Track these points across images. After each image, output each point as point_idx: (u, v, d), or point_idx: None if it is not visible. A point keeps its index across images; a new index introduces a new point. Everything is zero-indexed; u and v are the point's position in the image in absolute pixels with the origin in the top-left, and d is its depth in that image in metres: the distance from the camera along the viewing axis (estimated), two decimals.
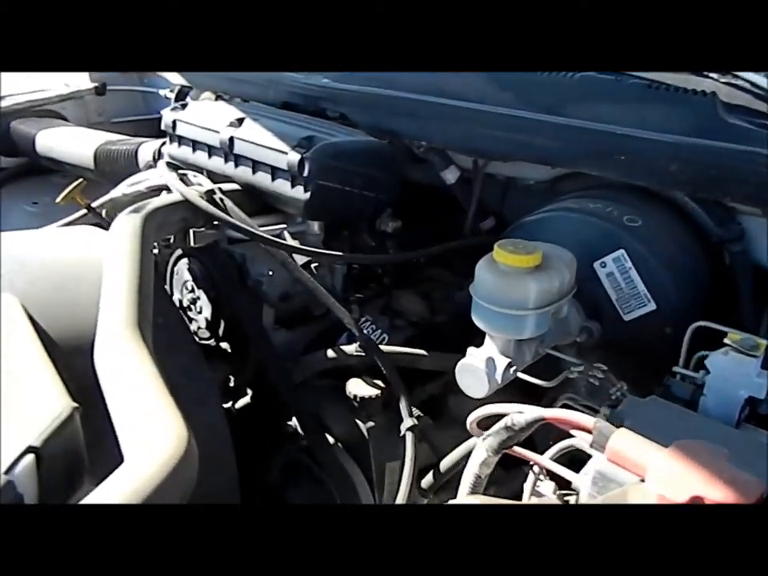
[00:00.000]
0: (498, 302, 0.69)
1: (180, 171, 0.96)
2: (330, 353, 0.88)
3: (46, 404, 0.55)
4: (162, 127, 1.09)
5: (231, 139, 0.96)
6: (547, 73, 0.91)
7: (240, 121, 0.98)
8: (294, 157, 0.87)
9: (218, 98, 1.21)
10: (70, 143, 1.37)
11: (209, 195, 0.90)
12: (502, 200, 1.05)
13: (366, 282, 1.04)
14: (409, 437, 0.81)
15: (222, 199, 0.91)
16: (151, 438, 0.50)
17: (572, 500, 0.54)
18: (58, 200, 1.10)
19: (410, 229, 1.03)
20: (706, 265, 0.83)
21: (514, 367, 0.70)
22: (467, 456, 0.77)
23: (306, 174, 0.87)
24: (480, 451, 0.51)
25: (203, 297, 0.94)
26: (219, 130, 0.98)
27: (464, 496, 0.52)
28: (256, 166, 0.94)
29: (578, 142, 0.83)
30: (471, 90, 0.95)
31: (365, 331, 0.96)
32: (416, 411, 0.84)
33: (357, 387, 0.84)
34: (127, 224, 0.79)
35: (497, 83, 0.95)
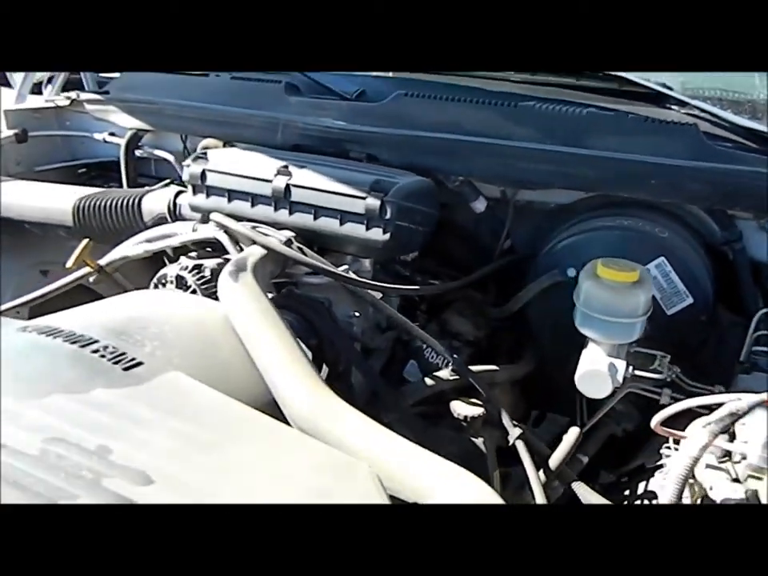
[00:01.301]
0: (612, 313, 0.81)
1: (233, 224, 0.95)
2: (429, 381, 0.93)
3: None
4: (184, 178, 1.05)
5: (287, 187, 0.97)
6: (558, 108, 1.05)
7: (285, 168, 0.99)
8: (374, 201, 0.91)
9: (226, 144, 1.18)
10: (31, 198, 1.23)
11: (287, 245, 0.91)
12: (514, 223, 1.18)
13: (411, 310, 1.10)
14: (521, 445, 0.89)
15: (300, 248, 0.92)
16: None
17: (739, 467, 0.66)
18: (69, 264, 1.01)
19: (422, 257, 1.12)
20: (713, 262, 1.03)
21: (631, 367, 0.82)
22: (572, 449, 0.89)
23: (388, 216, 0.92)
24: (702, 437, 0.61)
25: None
26: (269, 179, 0.98)
27: (678, 479, 0.62)
28: (318, 212, 0.96)
29: (612, 170, 0.98)
30: (492, 127, 1.06)
31: (428, 356, 1.03)
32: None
33: (463, 408, 0.91)
34: (245, 283, 0.78)
35: (513, 120, 1.07)
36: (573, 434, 0.93)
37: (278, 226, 0.99)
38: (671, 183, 0.96)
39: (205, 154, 1.06)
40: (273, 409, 0.70)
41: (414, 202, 0.95)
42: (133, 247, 1.06)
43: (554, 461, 0.91)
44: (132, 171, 1.44)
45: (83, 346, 0.64)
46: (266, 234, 0.92)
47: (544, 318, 1.07)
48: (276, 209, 0.99)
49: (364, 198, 0.92)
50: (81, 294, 1.13)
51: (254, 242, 0.92)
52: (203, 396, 0.63)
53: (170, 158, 1.37)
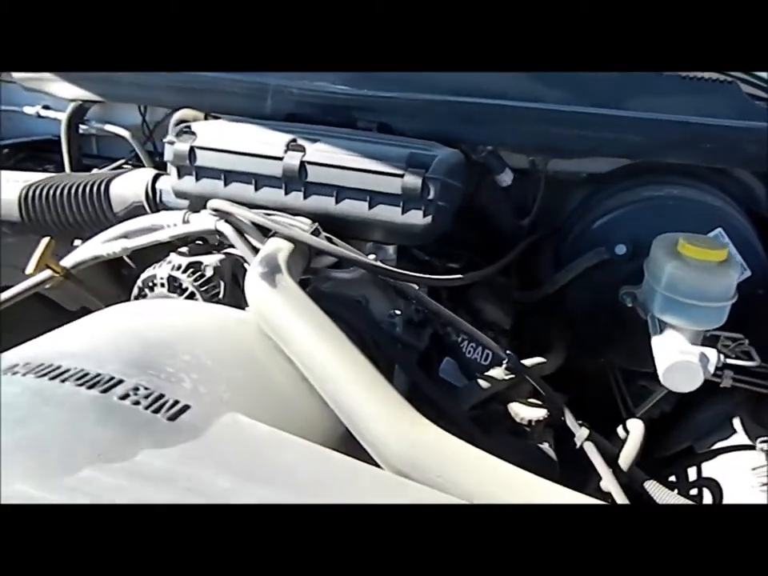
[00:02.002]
0: (702, 296, 0.72)
1: (243, 212, 0.79)
2: (483, 383, 0.82)
3: None
4: (167, 158, 0.87)
5: (302, 165, 0.81)
6: None
7: (292, 141, 0.83)
8: (415, 180, 0.77)
9: (208, 116, 0.99)
10: None
11: (315, 235, 0.76)
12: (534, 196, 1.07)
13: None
14: (591, 446, 0.80)
15: (329, 237, 0.78)
16: None
17: None
18: (29, 269, 0.82)
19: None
20: (759, 231, 0.96)
21: (722, 355, 0.74)
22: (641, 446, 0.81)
23: (431, 196, 0.78)
24: None
25: None
26: (278, 156, 0.82)
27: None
28: (341, 193, 0.81)
29: (662, 134, 0.89)
30: (520, 89, 0.94)
31: (466, 352, 0.91)
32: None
33: (525, 411, 0.80)
34: (285, 287, 0.63)
35: (543, 82, 0.95)
36: (638, 429, 0.85)
37: (290, 211, 0.84)
38: (728, 146, 0.87)
39: (189, 128, 0.88)
40: (344, 445, 0.56)
41: (455, 179, 0.82)
42: (105, 245, 0.87)
43: (625, 460, 0.82)
44: (75, 151, 1.22)
45: (106, 391, 0.48)
46: (287, 223, 0.76)
47: (583, 300, 0.97)
48: (287, 192, 0.83)
49: (401, 176, 0.78)
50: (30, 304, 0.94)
51: (271, 234, 0.77)
52: (278, 444, 0.49)
53: (125, 133, 1.16)
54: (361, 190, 0.80)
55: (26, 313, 1.00)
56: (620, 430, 0.91)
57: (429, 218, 0.79)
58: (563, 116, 0.90)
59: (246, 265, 0.84)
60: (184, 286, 0.84)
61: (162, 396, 0.49)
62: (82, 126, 1.22)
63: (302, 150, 0.82)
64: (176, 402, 0.49)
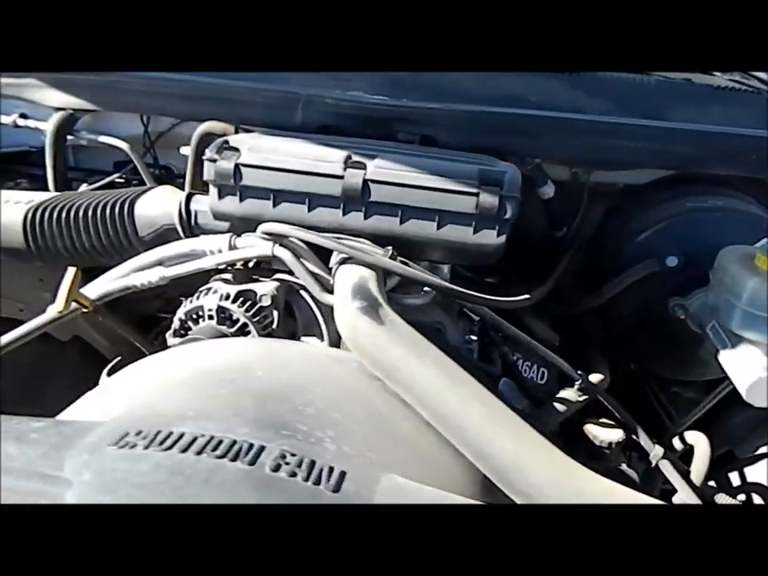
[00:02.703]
0: None
1: (308, 236, 0.73)
2: (559, 405, 0.79)
3: None
4: (207, 177, 0.79)
5: (365, 184, 0.76)
6: (624, 76, 0.94)
7: (348, 158, 0.77)
8: (491, 198, 0.74)
9: (238, 129, 0.91)
10: None
11: (392, 259, 0.71)
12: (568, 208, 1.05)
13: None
14: (667, 465, 0.79)
15: (404, 261, 0.73)
16: None
17: None
18: (58, 305, 0.73)
19: None
20: None
21: None
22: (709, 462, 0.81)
23: (508, 215, 0.74)
24: None
25: None
26: (338, 174, 0.76)
27: None
28: (406, 213, 0.76)
29: (709, 145, 0.89)
30: (562, 100, 0.93)
31: (523, 371, 0.89)
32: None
33: (604, 433, 0.78)
34: (394, 325, 0.58)
35: (584, 91, 0.94)
36: (703, 443, 0.85)
37: (347, 232, 0.78)
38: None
39: (227, 143, 0.80)
40: (487, 495, 0.52)
41: (521, 195, 0.79)
42: (139, 274, 0.78)
43: (697, 475, 0.81)
44: (61, 165, 1.10)
45: (253, 462, 0.42)
46: (363, 248, 0.71)
47: (629, 311, 0.96)
48: (345, 212, 0.78)
49: (475, 194, 0.74)
50: None
51: (342, 259, 0.71)
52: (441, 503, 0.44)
53: (124, 145, 1.06)
54: (428, 209, 0.76)
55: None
56: (676, 441, 0.91)
57: (503, 238, 0.76)
58: (610, 127, 0.88)
59: (301, 292, 0.78)
60: (234, 317, 0.77)
61: (313, 463, 0.43)
62: (69, 137, 1.11)
63: (363, 167, 0.77)
64: (331, 469, 0.43)
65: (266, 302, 0.76)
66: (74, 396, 1.24)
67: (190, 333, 0.79)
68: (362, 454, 0.47)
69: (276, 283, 0.77)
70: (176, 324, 0.79)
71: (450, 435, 0.52)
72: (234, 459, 0.42)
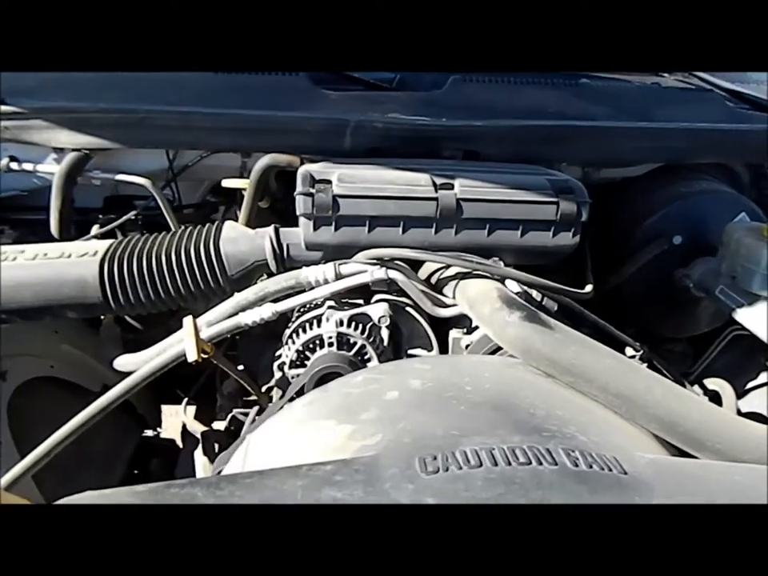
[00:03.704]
0: None
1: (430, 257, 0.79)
2: None
3: None
4: (302, 211, 0.81)
5: (458, 203, 0.83)
6: (611, 84, 1.09)
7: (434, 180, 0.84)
8: (570, 205, 0.84)
9: (303, 160, 0.93)
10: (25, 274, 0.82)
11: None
12: None
13: None
14: None
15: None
16: None
17: None
18: (192, 356, 0.73)
19: None
20: None
21: None
22: None
23: (584, 218, 0.85)
24: None
25: None
26: (432, 196, 0.82)
27: None
28: (493, 225, 0.85)
29: (699, 140, 1.06)
30: (576, 109, 1.05)
31: None
32: None
33: None
34: (567, 334, 0.67)
35: (587, 100, 1.08)
36: (728, 389, 1.02)
37: (438, 248, 0.85)
38: (743, 144, 1.08)
39: (311, 175, 0.83)
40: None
41: None
42: (250, 313, 0.79)
43: None
44: (68, 209, 1.05)
45: (556, 463, 0.49)
46: (485, 263, 0.78)
47: (642, 286, 1.12)
48: (437, 230, 0.84)
49: (555, 203, 0.84)
50: None
51: (463, 275, 0.78)
52: (701, 467, 0.54)
53: (146, 182, 1.03)
54: (514, 220, 0.85)
55: None
56: (697, 388, 1.08)
57: (577, 238, 0.87)
58: (627, 132, 1.02)
59: (408, 309, 0.84)
60: (352, 341, 0.81)
61: (591, 454, 0.51)
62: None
63: (451, 187, 0.84)
64: (604, 458, 0.51)
65: (385, 323, 0.81)
66: (111, 442, 1.20)
67: (308, 362, 0.82)
68: (605, 440, 0.55)
69: (385, 304, 0.82)
70: (292, 356, 0.81)
71: (637, 413, 0.62)
72: (539, 463, 0.49)
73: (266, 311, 0.79)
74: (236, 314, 0.81)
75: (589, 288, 0.88)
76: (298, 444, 0.61)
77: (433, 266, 0.87)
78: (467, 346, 0.82)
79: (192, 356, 0.73)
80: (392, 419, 0.57)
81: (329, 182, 0.82)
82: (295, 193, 0.82)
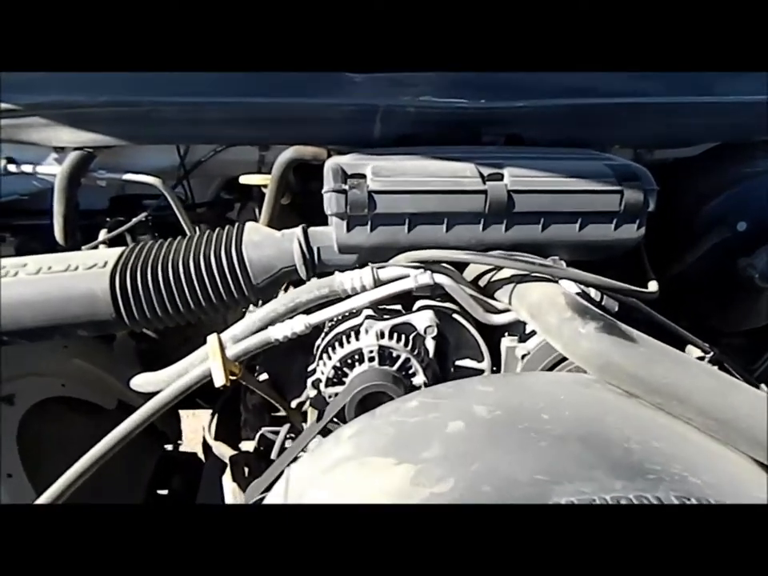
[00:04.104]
0: None
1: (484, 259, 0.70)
2: None
3: None
4: (334, 210, 0.72)
5: (510, 196, 0.73)
6: None
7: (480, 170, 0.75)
8: (636, 194, 0.74)
9: (330, 153, 0.84)
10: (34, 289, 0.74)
11: None
12: None
13: None
14: None
15: None
16: None
17: None
18: (220, 381, 0.65)
19: None
20: None
21: None
22: None
23: (651, 207, 0.76)
24: None
25: None
26: (480, 189, 0.73)
27: None
28: (548, 219, 0.75)
29: (752, 114, 0.95)
30: (621, 86, 0.95)
31: None
32: None
33: None
34: (641, 337, 0.58)
35: (636, 75, 0.97)
36: None
37: (486, 247, 0.76)
38: None
39: (342, 170, 0.74)
40: None
41: None
42: (280, 326, 0.71)
43: None
44: (72, 213, 0.97)
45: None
46: (544, 264, 0.69)
47: (702, 275, 1.02)
48: (485, 226, 0.75)
49: (619, 192, 0.75)
50: None
51: (520, 278, 0.69)
52: None
53: (156, 181, 0.94)
54: (572, 212, 0.75)
55: None
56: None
57: (642, 230, 0.77)
58: (685, 108, 0.92)
59: (455, 316, 0.75)
60: (395, 355, 0.72)
61: (709, 503, 0.42)
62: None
63: (501, 177, 0.74)
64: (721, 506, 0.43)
65: (431, 333, 0.72)
66: (132, 463, 1.11)
67: (346, 379, 0.73)
68: (718, 480, 0.47)
69: (431, 312, 0.73)
70: (329, 373, 0.73)
71: (739, 439, 0.53)
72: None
73: (298, 324, 0.71)
74: (264, 327, 0.72)
75: (654, 287, 0.78)
76: (349, 484, 0.52)
77: (479, 267, 0.78)
78: (523, 356, 0.73)
79: (219, 381, 0.64)
80: (461, 458, 0.49)
81: (363, 176, 0.73)
82: (324, 190, 0.73)
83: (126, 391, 1.04)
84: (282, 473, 0.70)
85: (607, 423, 0.52)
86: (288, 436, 0.84)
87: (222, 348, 0.66)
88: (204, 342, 0.69)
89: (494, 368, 0.76)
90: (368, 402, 0.69)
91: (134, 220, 1.00)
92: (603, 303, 0.73)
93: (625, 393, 0.57)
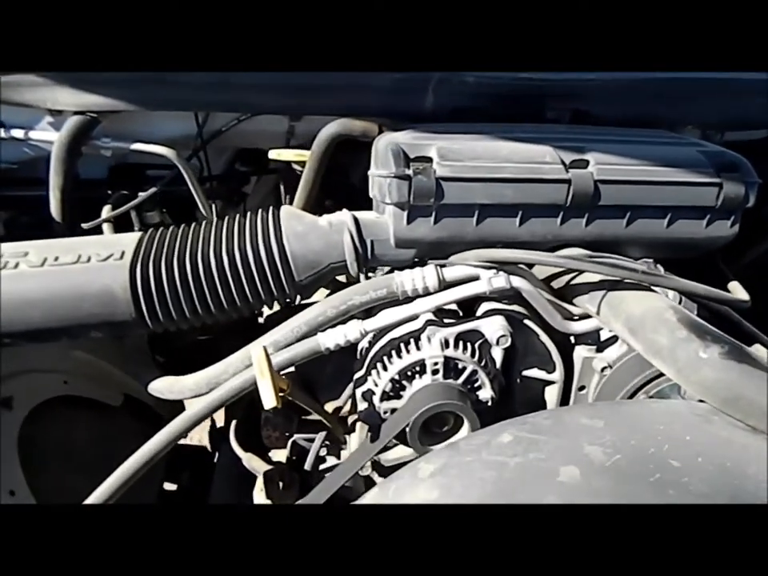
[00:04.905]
0: None
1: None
2: None
3: None
4: (394, 199, 0.62)
5: (596, 186, 0.64)
6: None
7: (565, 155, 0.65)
8: (737, 187, 0.65)
9: (382, 128, 0.72)
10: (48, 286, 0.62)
11: None
12: None
13: None
14: None
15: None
16: None
17: None
18: (270, 402, 0.55)
19: None
20: None
21: None
22: None
23: (750, 203, 0.67)
24: None
25: None
26: (564, 178, 0.63)
27: None
28: (634, 213, 0.66)
29: None
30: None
31: None
32: None
33: None
34: (754, 358, 0.50)
35: None
36: None
37: (562, 243, 0.67)
38: None
39: (400, 152, 0.63)
40: None
41: None
42: (329, 334, 0.61)
43: None
44: (70, 185, 0.85)
45: None
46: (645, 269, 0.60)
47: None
48: (563, 220, 0.65)
49: (718, 185, 0.65)
50: None
51: (613, 284, 0.60)
52: None
53: (169, 152, 0.83)
54: (661, 207, 0.66)
55: None
56: None
57: (736, 227, 0.68)
58: (759, 86, 0.82)
59: (526, 322, 0.66)
60: (461, 367, 0.63)
61: None
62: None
63: (585, 165, 0.64)
64: None
65: (505, 343, 0.63)
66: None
67: (404, 392, 0.64)
68: None
69: (502, 318, 0.64)
70: (385, 386, 0.64)
71: None
72: None
73: (352, 330, 0.61)
74: (311, 333, 0.63)
75: (745, 295, 0.70)
76: None
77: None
78: (603, 369, 0.65)
79: (270, 402, 0.55)
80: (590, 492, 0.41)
81: (428, 159, 0.63)
82: (379, 173, 0.62)
83: (131, 383, 0.94)
84: (333, 495, 0.62)
85: (751, 474, 0.44)
86: (323, 444, 0.76)
87: (270, 363, 0.57)
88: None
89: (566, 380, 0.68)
90: (430, 420, 0.61)
91: (143, 195, 0.88)
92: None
93: (750, 428, 0.50)
